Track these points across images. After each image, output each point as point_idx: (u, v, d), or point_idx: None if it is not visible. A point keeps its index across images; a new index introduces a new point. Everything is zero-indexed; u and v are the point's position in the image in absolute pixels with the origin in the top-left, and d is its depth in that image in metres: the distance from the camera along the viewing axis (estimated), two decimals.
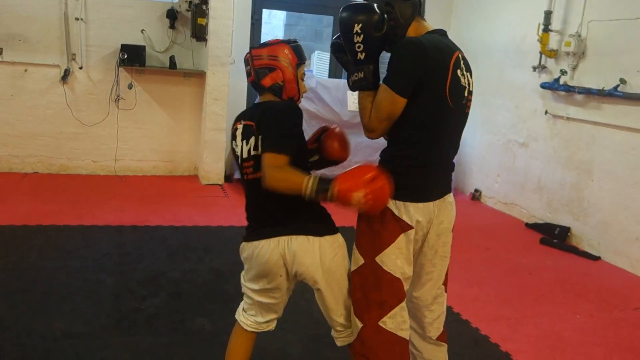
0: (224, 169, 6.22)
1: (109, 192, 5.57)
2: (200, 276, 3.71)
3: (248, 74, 2.11)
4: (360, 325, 2.01)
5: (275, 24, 10.38)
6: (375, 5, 1.92)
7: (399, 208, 1.96)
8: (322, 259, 2.01)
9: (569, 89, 5.05)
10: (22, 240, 4.07)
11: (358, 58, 1.91)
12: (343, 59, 2.11)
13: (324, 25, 10.25)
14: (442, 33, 2.04)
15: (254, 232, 2.08)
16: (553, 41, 5.27)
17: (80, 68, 5.93)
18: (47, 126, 5.99)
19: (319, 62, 9.69)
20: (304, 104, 5.85)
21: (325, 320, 3.21)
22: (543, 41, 5.24)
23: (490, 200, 6.27)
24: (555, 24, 5.25)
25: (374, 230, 1.99)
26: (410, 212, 1.95)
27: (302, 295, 3.49)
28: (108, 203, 5.15)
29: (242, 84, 6.36)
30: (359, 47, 1.88)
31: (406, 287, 2.04)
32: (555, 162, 5.32)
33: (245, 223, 2.15)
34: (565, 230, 5.07)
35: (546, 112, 5.39)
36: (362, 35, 1.86)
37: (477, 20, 6.52)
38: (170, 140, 6.38)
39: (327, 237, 2.03)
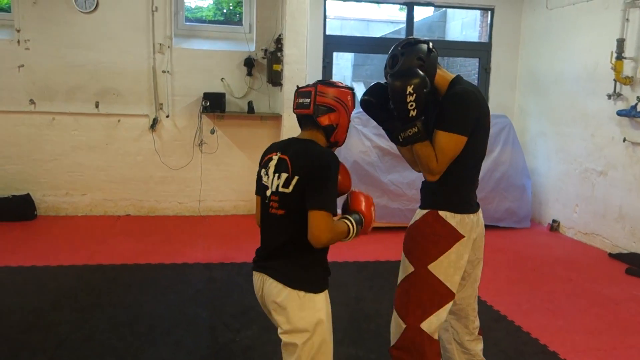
0: None
1: (195, 231, 5.92)
2: None
3: (303, 106, 2.10)
4: (403, 326, 2.28)
5: (343, 65, 10.71)
6: (414, 67, 2.20)
7: (456, 220, 2.28)
8: (288, 308, 2.00)
9: None
10: (123, 277, 4.42)
11: (410, 115, 2.16)
12: (373, 113, 2.40)
13: None
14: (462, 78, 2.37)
15: (255, 262, 2.17)
16: (627, 68, 5.22)
17: (167, 116, 6.41)
18: (137, 171, 6.47)
19: None
20: (376, 140, 6.06)
21: None
22: (617, 69, 5.21)
23: (569, 230, 6.15)
24: (628, 51, 5.21)
25: (429, 241, 2.28)
26: (465, 222, 2.29)
27: (386, 328, 3.60)
28: (195, 242, 5.48)
29: None
30: (411, 105, 2.14)
31: (456, 290, 2.31)
32: (637, 190, 5.20)
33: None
34: None
35: (624, 140, 5.31)
36: (414, 95, 2.13)
37: (546, 50, 6.54)
38: (249, 180, 6.65)
39: (300, 292, 2.00)
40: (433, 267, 2.25)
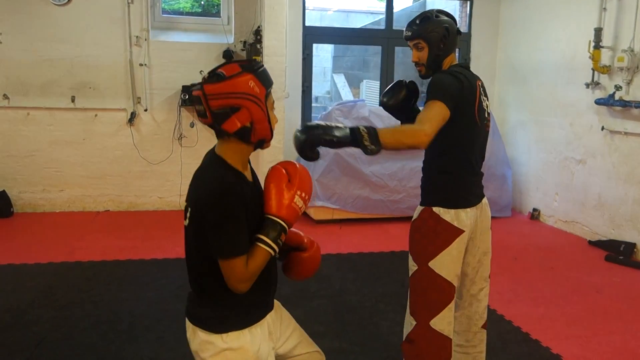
0: None
1: (176, 226, 5.83)
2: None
3: (201, 115, 1.67)
4: (413, 323, 2.31)
5: (323, 56, 10.67)
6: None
7: (451, 215, 2.25)
8: (193, 349, 1.78)
9: (625, 104, 5.02)
10: (102, 274, 4.34)
11: (341, 137, 2.05)
12: (392, 112, 2.49)
13: (371, 54, 10.47)
14: (466, 66, 2.37)
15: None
16: (605, 57, 5.26)
17: (145, 110, 6.31)
18: (116, 166, 6.36)
19: (368, 90, 9.90)
20: None
21: (397, 342, 3.30)
22: (595, 58, 5.25)
23: (549, 219, 6.22)
24: (606, 40, 5.25)
25: (427, 238, 2.27)
26: (461, 217, 2.26)
27: (370, 319, 3.60)
28: (176, 237, 5.37)
29: (297, 116, 6.62)
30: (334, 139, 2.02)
31: (457, 284, 2.33)
32: (616, 178, 5.26)
33: None
34: (630, 247, 4.99)
35: (602, 128, 5.36)
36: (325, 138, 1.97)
37: (524, 40, 6.57)
38: None
39: (204, 332, 1.73)
40: (434, 264, 2.24)
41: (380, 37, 7.21)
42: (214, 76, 1.67)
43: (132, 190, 6.44)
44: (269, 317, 1.84)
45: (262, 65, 1.73)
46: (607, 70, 5.22)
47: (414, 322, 2.30)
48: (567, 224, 5.92)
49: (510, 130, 6.88)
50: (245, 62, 1.74)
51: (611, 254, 4.99)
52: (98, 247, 5.03)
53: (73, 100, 6.16)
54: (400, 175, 6.02)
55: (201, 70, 6.34)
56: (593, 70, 5.36)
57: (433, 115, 2.09)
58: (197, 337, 1.74)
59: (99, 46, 6.13)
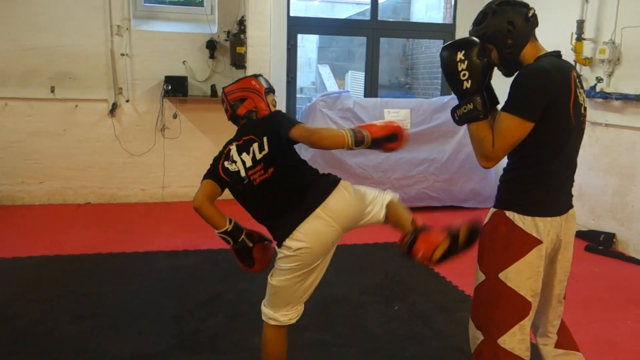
0: None
1: (159, 218, 5.80)
2: (254, 296, 3.84)
3: (226, 110, 2.48)
4: (480, 338, 2.08)
5: (308, 47, 10.62)
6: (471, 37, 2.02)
7: (526, 223, 1.98)
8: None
9: (605, 96, 5.07)
10: (84, 268, 4.30)
11: (464, 88, 1.94)
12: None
13: (356, 45, 10.45)
14: (557, 55, 2.06)
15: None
16: (587, 49, 5.29)
17: (127, 101, 6.23)
18: (97, 158, 6.28)
19: (353, 81, 9.88)
20: (341, 123, 6.03)
21: (380, 334, 3.32)
22: (577, 50, 5.28)
23: None
24: (588, 33, 5.28)
25: (498, 247, 2.02)
26: (539, 226, 1.98)
27: (354, 311, 3.61)
28: (159, 229, 5.37)
29: (281, 108, 6.58)
30: (464, 75, 1.92)
31: (534, 304, 2.05)
32: (596, 169, 5.31)
33: None
34: (610, 237, 5.06)
35: None
36: (466, 62, 1.92)
37: None
38: None
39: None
40: (505, 276, 1.99)
41: (366, 28, 7.18)
42: (232, 83, 2.52)
43: (114, 182, 6.37)
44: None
45: (263, 76, 2.58)
46: (588, 62, 5.26)
47: (481, 337, 2.06)
48: None
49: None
50: (253, 74, 2.58)
51: (591, 244, 5.05)
52: (79, 240, 4.97)
53: (53, 91, 6.06)
54: (385, 166, 6.03)
55: (184, 61, 6.28)
56: (575, 62, 5.38)
57: (506, 136, 1.90)
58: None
59: (79, 35, 6.03)
